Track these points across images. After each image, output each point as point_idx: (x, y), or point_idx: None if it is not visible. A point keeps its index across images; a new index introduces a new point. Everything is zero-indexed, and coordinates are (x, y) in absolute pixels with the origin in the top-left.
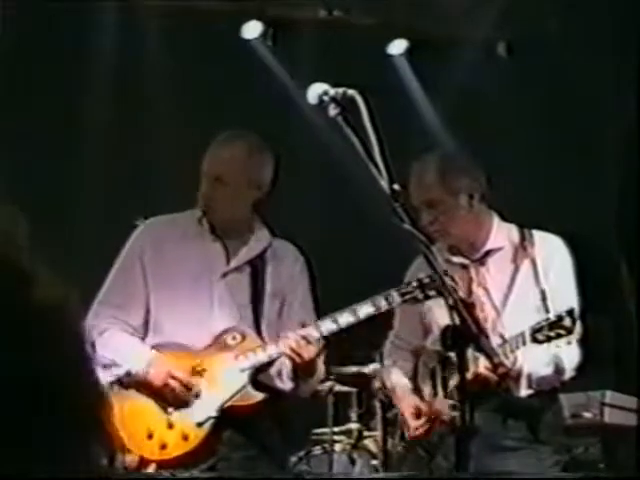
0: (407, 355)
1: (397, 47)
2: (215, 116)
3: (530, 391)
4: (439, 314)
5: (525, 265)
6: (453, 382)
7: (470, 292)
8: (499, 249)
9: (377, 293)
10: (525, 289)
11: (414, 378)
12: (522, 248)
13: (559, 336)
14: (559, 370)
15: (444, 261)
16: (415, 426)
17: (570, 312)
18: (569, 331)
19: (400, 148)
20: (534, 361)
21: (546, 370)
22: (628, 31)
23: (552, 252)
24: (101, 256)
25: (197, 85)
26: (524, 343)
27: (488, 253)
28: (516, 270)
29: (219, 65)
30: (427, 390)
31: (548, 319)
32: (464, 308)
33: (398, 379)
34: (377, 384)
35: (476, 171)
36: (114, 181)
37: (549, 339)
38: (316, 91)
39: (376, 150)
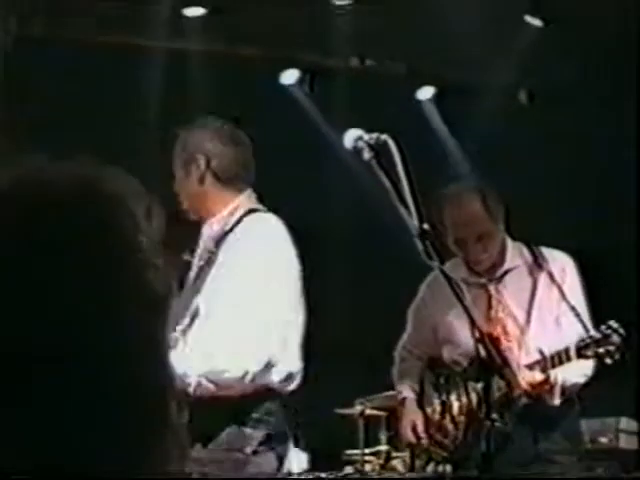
0: (415, 363)
1: (425, 93)
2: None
3: (561, 399)
4: (459, 327)
5: (542, 278)
6: (474, 399)
7: (490, 309)
8: (515, 268)
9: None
10: (546, 301)
11: (421, 392)
12: (536, 265)
13: (607, 353)
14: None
15: (462, 281)
16: (409, 441)
17: (615, 329)
18: (617, 347)
19: (430, 189)
20: (568, 371)
21: (578, 379)
22: None
23: (564, 267)
24: None
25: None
26: (569, 359)
27: (506, 272)
28: (535, 284)
29: (258, 109)
30: (434, 404)
31: (592, 337)
32: (489, 340)
33: (407, 391)
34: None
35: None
36: None
37: (597, 355)
38: (351, 136)
39: (407, 191)
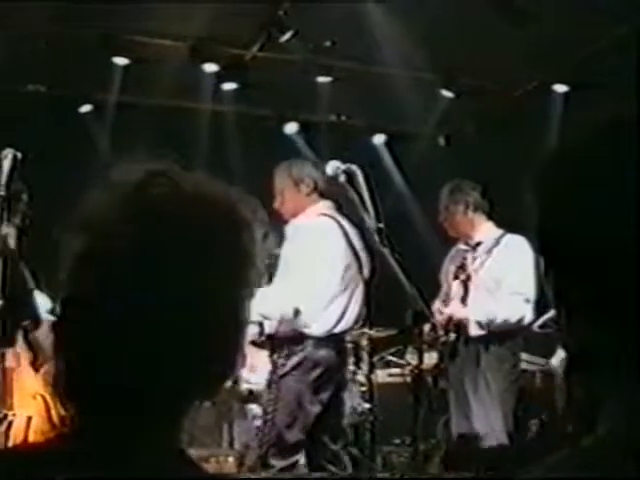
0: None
1: (378, 139)
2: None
3: (481, 332)
4: (449, 280)
5: (493, 254)
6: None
7: (467, 264)
8: (482, 243)
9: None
10: (486, 270)
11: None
12: (494, 245)
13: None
14: (493, 320)
15: (458, 251)
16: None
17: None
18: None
19: (382, 202)
20: (477, 313)
21: (483, 319)
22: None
23: (509, 250)
24: None
25: (255, 165)
26: (426, 320)
27: (478, 244)
28: (487, 258)
29: (270, 148)
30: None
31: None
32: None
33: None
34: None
35: (473, 193)
36: None
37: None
38: (332, 166)
39: (368, 202)
